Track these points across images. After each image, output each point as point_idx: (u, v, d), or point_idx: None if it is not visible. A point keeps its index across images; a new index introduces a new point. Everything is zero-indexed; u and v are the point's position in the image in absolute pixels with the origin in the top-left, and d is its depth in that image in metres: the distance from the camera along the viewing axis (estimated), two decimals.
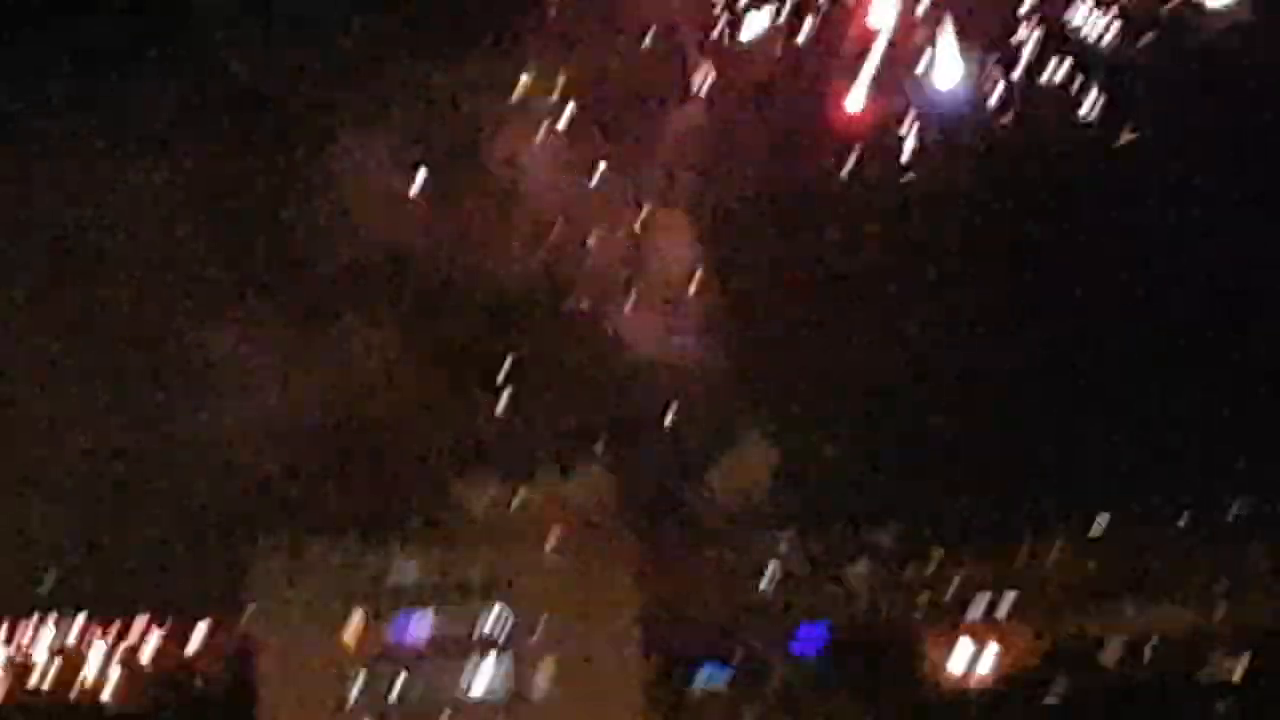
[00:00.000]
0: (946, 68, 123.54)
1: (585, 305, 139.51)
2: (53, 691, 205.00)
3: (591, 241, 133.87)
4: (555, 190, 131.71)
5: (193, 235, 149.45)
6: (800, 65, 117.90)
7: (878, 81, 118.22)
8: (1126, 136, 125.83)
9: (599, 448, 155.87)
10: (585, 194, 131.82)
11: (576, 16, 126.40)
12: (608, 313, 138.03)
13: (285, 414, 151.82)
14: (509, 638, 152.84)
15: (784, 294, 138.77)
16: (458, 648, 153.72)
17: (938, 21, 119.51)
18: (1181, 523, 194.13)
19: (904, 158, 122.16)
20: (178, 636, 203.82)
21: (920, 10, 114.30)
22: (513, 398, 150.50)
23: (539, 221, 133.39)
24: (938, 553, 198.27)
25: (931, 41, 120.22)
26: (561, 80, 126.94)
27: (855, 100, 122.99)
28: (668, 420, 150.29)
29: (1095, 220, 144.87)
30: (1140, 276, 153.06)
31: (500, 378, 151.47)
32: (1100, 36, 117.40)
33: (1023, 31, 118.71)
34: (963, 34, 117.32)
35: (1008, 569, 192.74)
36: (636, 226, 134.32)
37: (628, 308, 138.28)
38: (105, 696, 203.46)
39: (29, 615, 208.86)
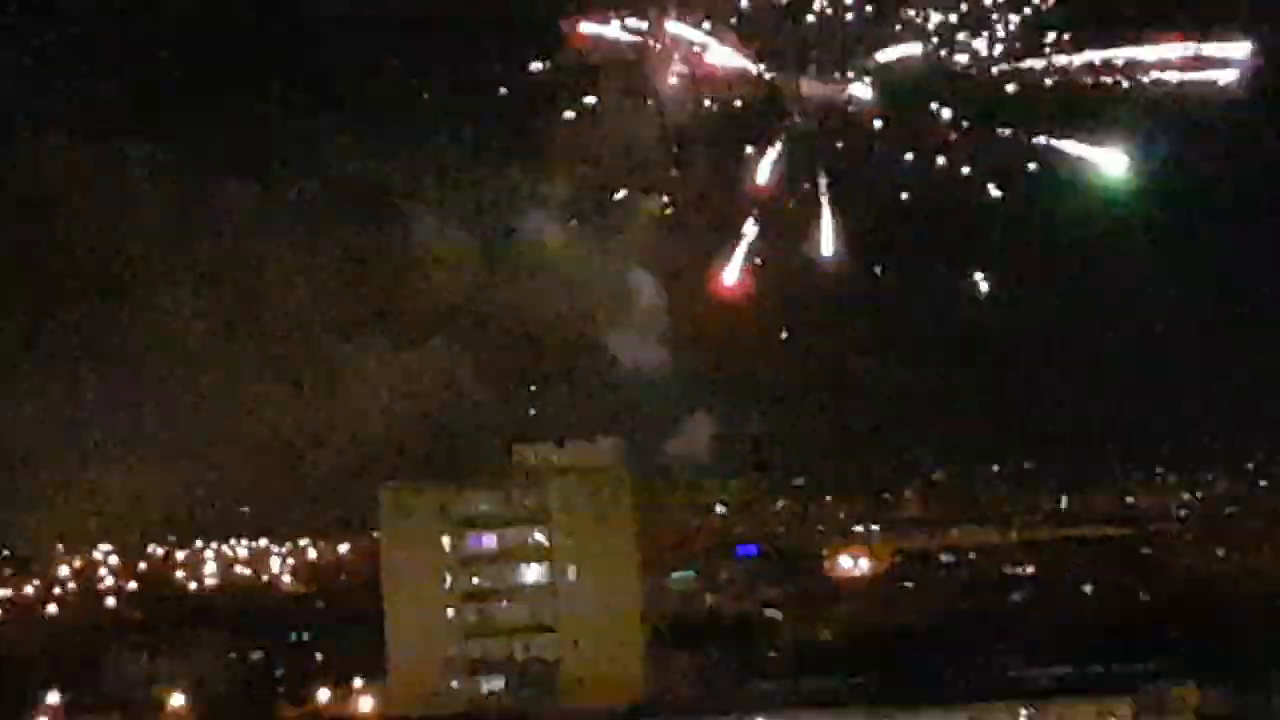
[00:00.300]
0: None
1: (597, 338, 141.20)
2: (252, 581, 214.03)
3: (601, 296, 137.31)
4: (571, 263, 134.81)
5: (335, 291, 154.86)
6: None
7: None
8: None
9: (607, 426, 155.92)
10: (590, 267, 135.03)
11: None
12: (611, 342, 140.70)
13: (402, 404, 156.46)
14: (547, 550, 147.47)
15: (734, 333, 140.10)
16: (515, 556, 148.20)
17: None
18: (990, 475, 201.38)
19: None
20: (333, 548, 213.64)
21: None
22: (550, 396, 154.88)
23: (561, 285, 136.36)
24: (834, 494, 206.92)
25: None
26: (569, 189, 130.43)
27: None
28: (654, 410, 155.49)
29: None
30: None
31: (541, 383, 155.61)
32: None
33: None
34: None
35: (874, 506, 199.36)
36: (627, 288, 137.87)
37: (626, 339, 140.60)
38: (286, 584, 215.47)
39: (236, 534, 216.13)
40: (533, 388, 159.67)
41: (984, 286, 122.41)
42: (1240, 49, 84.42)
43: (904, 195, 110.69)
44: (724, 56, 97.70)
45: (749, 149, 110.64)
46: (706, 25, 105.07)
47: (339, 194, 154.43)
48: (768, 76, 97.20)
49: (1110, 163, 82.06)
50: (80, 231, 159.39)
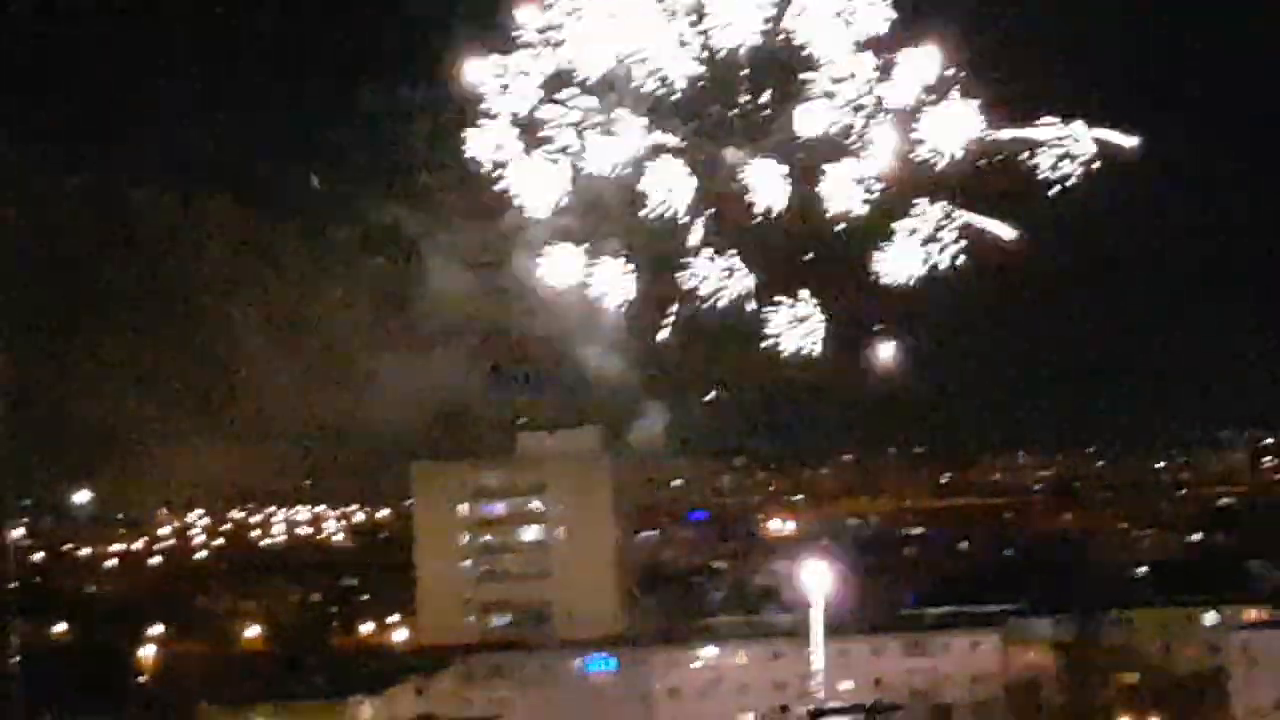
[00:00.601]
0: None
1: (573, 349, 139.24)
2: (311, 539, 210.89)
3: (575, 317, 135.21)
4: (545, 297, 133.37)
5: (378, 316, 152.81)
6: None
7: None
8: None
9: (591, 417, 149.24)
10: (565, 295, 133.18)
11: None
12: (584, 352, 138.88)
13: (429, 401, 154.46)
14: (543, 514, 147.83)
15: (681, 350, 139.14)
16: (516, 519, 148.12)
17: None
18: (888, 457, 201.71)
19: None
20: (375, 513, 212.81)
21: None
22: (544, 392, 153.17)
23: (546, 308, 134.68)
24: (765, 471, 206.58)
25: None
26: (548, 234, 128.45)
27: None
28: (621, 407, 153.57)
29: None
30: None
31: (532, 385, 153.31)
32: None
33: None
34: None
35: (797, 480, 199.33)
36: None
37: (595, 350, 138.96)
38: (338, 541, 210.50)
39: (300, 502, 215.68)
40: (525, 389, 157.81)
41: (880, 325, 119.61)
42: (1122, 138, 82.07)
43: (809, 255, 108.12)
44: (663, 136, 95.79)
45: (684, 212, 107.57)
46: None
47: (375, 240, 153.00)
48: (700, 153, 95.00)
49: (1000, 230, 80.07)
50: (177, 270, 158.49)
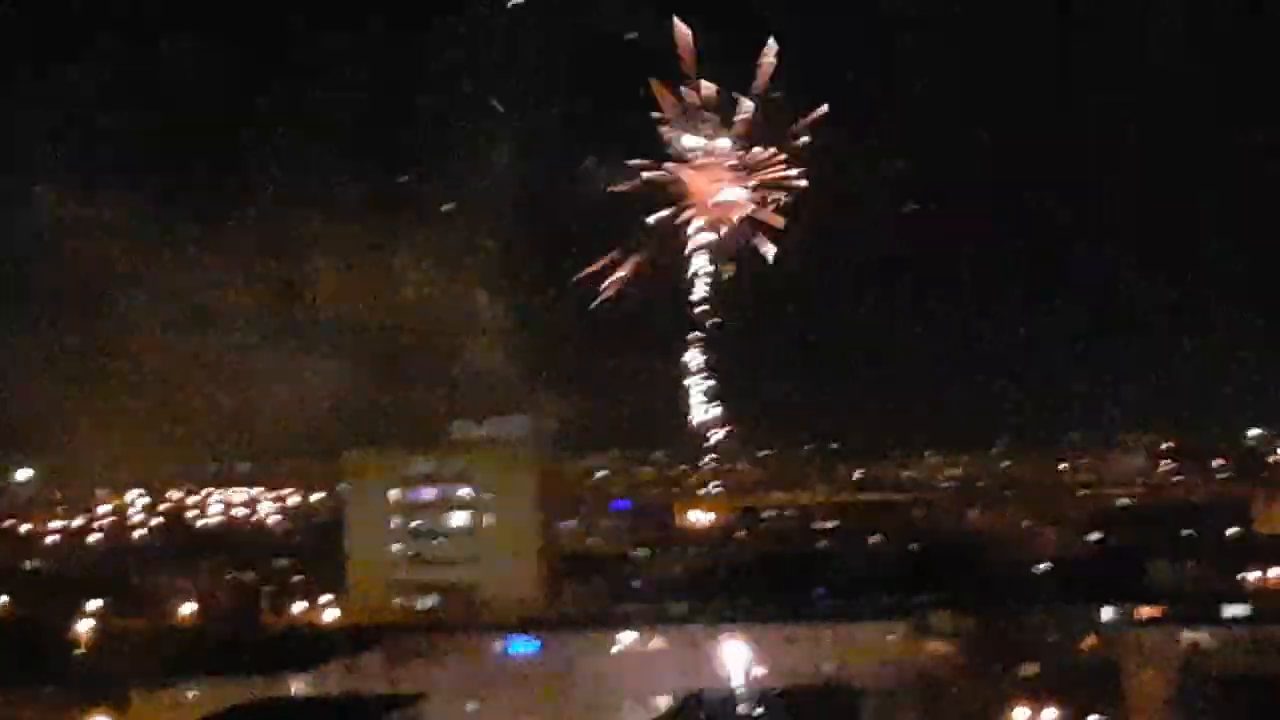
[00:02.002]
0: None
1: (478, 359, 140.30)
2: (246, 521, 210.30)
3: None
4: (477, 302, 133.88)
5: (325, 322, 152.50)
6: None
7: None
8: None
9: (516, 407, 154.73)
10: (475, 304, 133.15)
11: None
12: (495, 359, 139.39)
13: (363, 393, 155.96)
14: (471, 500, 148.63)
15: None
16: (445, 505, 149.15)
17: None
18: (803, 453, 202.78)
19: None
20: (309, 497, 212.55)
21: None
22: (462, 388, 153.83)
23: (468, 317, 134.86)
24: (684, 464, 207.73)
25: None
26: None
27: None
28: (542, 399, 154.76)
29: None
30: None
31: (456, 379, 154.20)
32: None
33: None
34: None
35: (717, 472, 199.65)
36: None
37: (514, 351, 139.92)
38: (272, 523, 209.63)
39: (235, 484, 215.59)
40: (449, 383, 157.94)
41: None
42: None
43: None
44: None
45: None
46: None
47: (322, 260, 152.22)
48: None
49: None
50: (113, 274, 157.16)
